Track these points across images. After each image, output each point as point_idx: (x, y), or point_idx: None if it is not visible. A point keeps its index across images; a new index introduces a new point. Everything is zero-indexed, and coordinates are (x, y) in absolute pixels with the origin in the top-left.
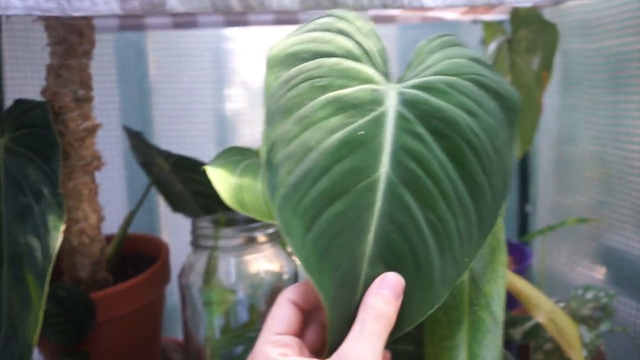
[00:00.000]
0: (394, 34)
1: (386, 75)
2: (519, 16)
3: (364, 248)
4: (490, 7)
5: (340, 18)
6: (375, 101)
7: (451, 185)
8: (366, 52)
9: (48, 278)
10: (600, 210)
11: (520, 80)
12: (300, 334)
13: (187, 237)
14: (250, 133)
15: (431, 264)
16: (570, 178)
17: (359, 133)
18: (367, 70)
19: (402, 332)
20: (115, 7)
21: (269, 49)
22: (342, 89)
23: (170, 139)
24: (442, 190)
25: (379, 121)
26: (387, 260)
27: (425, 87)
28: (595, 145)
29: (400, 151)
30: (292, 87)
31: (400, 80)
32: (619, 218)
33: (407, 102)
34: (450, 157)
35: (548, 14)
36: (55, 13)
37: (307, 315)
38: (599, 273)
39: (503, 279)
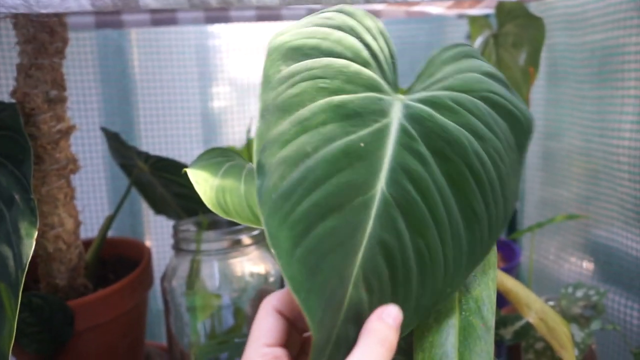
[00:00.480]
0: None
1: (393, 83)
2: (504, 10)
3: (352, 269)
4: (475, 1)
5: (349, 15)
6: (380, 112)
7: (446, 212)
8: (375, 56)
9: (21, 287)
10: (587, 205)
11: (507, 75)
12: (286, 343)
13: (172, 240)
14: (237, 132)
15: (409, 294)
16: (557, 173)
17: (360, 144)
18: (375, 76)
19: None
20: (85, 4)
21: (272, 39)
22: (346, 93)
23: (155, 138)
24: (435, 217)
25: (381, 134)
26: (370, 283)
27: (432, 103)
28: (581, 140)
29: (399, 170)
30: (293, 85)
31: (408, 91)
32: (607, 213)
33: (412, 117)
34: (450, 182)
35: (533, 8)
36: (22, 10)
37: (291, 323)
38: (588, 269)
39: (493, 282)
